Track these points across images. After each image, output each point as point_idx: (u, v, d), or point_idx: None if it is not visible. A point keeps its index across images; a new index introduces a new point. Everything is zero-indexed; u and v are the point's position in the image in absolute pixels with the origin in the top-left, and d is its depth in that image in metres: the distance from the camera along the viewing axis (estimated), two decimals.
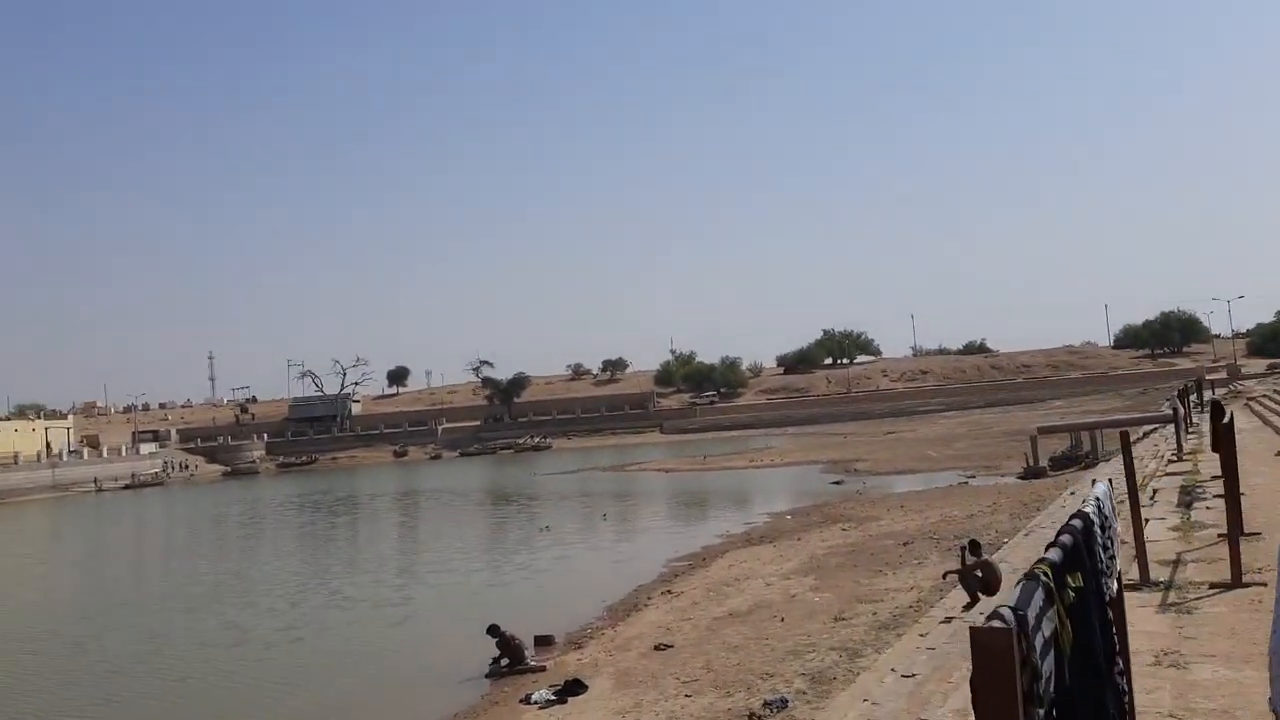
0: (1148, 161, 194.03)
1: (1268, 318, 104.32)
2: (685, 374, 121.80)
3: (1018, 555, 14.89)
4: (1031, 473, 34.05)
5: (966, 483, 35.14)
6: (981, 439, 56.82)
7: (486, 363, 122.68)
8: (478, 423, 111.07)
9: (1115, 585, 3.88)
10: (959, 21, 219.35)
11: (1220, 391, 40.45)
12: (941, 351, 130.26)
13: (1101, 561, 3.63)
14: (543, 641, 14.68)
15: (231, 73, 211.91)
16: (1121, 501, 11.93)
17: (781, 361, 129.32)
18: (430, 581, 24.37)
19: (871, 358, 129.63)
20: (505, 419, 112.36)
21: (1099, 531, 3.71)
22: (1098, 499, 4.00)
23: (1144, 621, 6.64)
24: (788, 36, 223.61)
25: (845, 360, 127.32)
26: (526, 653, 13.36)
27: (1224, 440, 8.78)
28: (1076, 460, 34.88)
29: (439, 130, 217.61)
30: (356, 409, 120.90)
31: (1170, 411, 26.88)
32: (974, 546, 12.64)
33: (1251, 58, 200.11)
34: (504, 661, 13.15)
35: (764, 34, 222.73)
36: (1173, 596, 7.45)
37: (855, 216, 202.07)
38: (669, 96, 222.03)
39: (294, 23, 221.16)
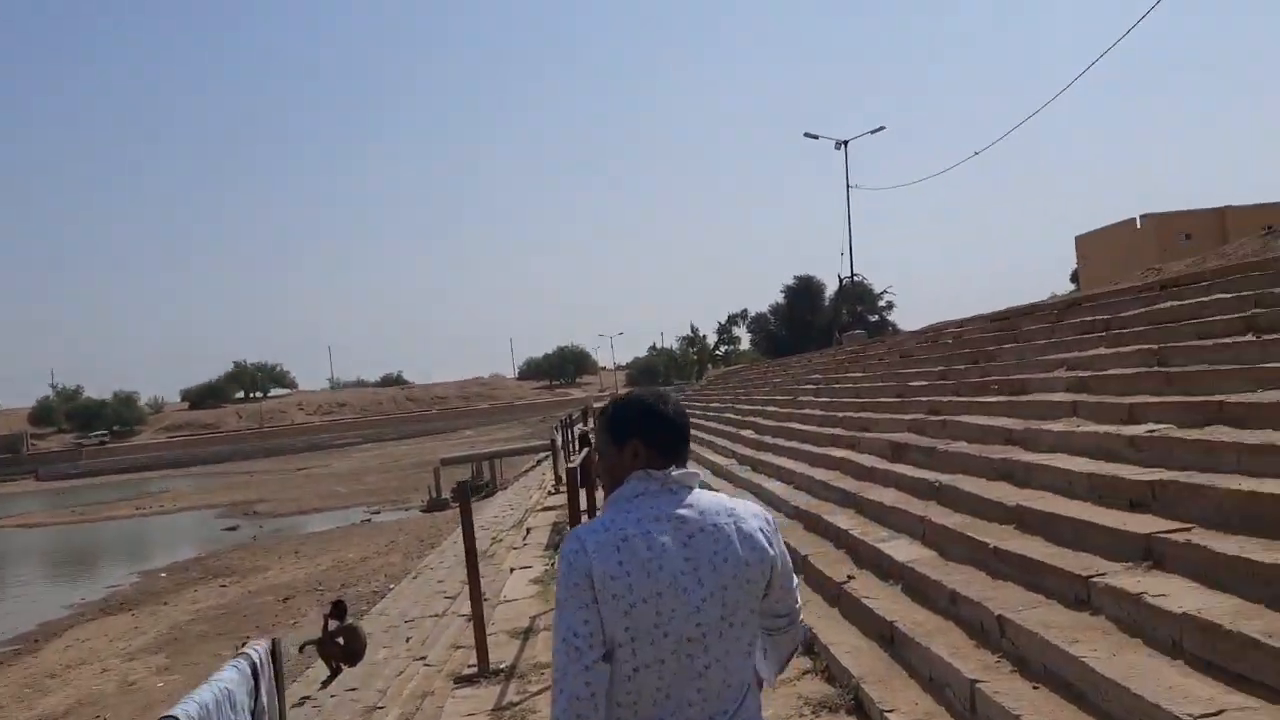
0: (545, 215, 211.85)
1: (643, 352, 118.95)
2: (70, 411, 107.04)
3: (397, 606, 13.76)
4: (434, 505, 33.83)
5: (370, 519, 33.94)
6: (392, 471, 56.27)
7: None
8: None
9: None
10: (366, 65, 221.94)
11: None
12: (360, 384, 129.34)
13: None
14: None
15: None
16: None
17: (187, 396, 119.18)
18: None
19: (288, 391, 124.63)
20: None
21: None
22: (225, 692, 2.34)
23: None
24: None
25: (259, 394, 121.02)
26: None
27: (570, 486, 8.33)
28: (478, 490, 35.39)
29: None
30: None
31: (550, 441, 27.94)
32: (338, 609, 11.17)
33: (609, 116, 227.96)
34: None
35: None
36: (512, 691, 5.96)
37: (264, 249, 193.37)
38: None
39: None
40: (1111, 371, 7.29)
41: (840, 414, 12.92)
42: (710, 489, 2.19)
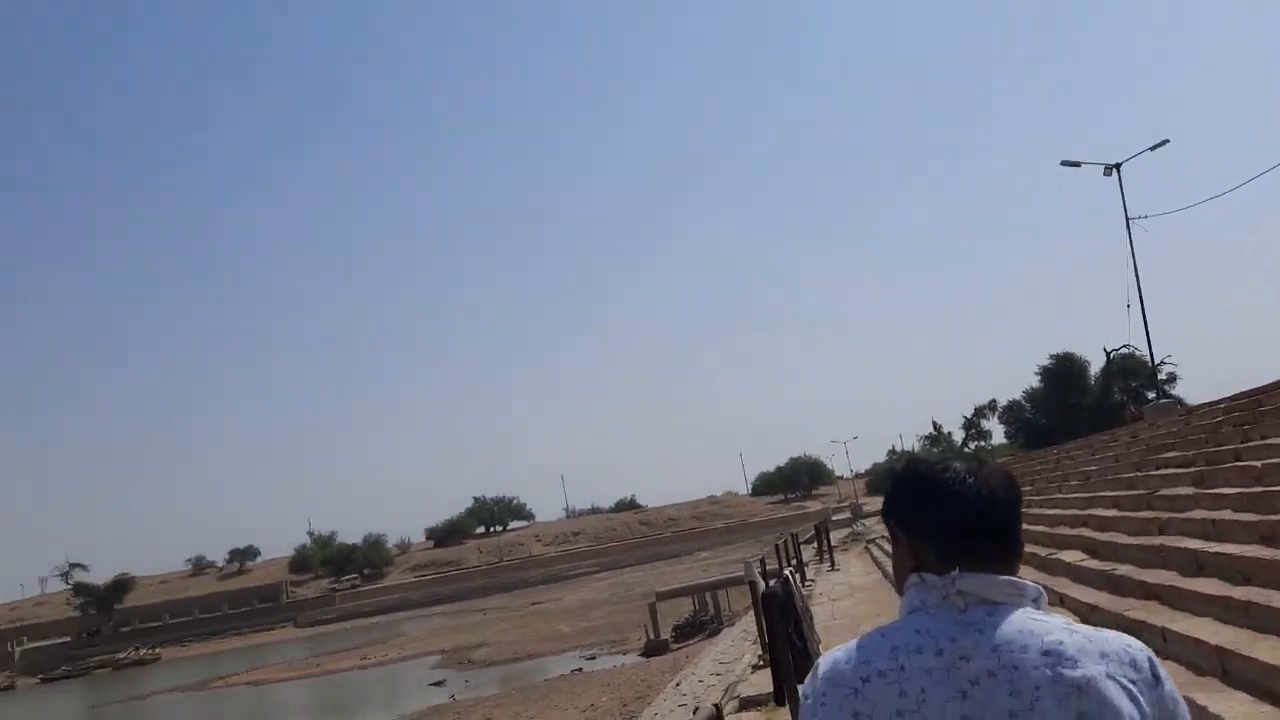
0: (773, 319, 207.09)
1: (881, 457, 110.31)
2: (325, 557, 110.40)
3: None
4: (652, 648, 29.19)
5: (581, 668, 29.66)
6: (621, 603, 52.25)
7: (79, 565, 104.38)
8: (68, 638, 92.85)
9: None
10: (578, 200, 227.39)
11: (843, 533, 38.18)
12: (594, 511, 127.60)
13: None
14: None
15: None
16: None
17: (431, 534, 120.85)
18: None
19: (525, 522, 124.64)
20: (103, 630, 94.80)
21: None
22: None
23: None
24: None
25: (498, 528, 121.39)
26: None
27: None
28: (701, 627, 30.48)
29: None
30: None
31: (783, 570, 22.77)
32: None
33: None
34: None
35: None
36: None
37: (497, 381, 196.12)
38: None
39: None
40: None
41: None
42: (1039, 611, 1.34)
